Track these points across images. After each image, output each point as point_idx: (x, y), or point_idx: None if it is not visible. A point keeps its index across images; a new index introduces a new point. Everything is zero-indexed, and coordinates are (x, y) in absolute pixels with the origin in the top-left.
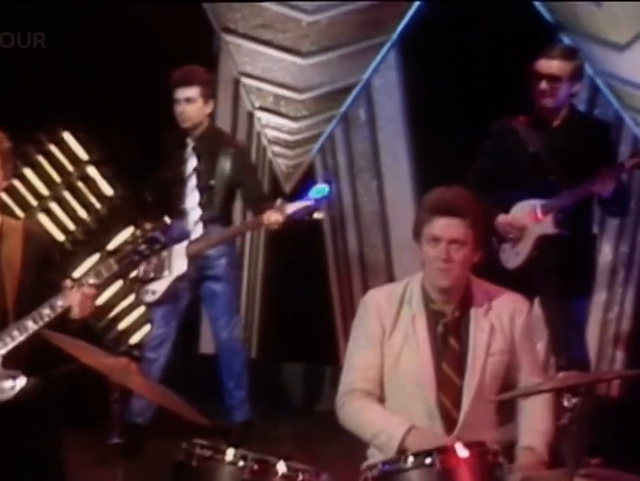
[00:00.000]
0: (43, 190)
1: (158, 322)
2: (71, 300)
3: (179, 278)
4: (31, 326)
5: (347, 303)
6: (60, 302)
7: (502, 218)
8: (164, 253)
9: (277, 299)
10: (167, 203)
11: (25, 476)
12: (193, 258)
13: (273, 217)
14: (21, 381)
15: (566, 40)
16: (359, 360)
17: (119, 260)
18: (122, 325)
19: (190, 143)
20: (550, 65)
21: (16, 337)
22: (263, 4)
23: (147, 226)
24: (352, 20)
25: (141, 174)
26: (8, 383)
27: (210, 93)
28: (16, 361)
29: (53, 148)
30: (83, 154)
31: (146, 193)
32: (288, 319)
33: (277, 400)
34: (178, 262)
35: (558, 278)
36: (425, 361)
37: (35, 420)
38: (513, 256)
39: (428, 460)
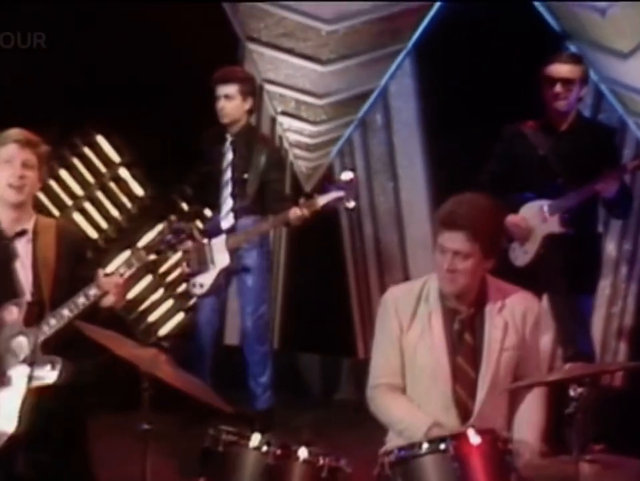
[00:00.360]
0: (78, 190)
1: (206, 314)
2: (104, 288)
3: (223, 271)
4: (67, 314)
5: (364, 298)
6: (94, 291)
7: (510, 218)
8: (206, 247)
9: (298, 293)
10: (207, 196)
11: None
12: (233, 251)
13: (299, 212)
14: (59, 367)
15: (572, 47)
16: (381, 357)
17: (149, 251)
18: (152, 318)
19: (229, 138)
20: (563, 69)
21: (53, 325)
22: (284, 14)
23: (173, 217)
24: (369, 29)
25: (170, 174)
26: (47, 368)
27: (248, 91)
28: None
29: (87, 151)
30: (115, 157)
31: (186, 186)
32: (308, 313)
33: (297, 390)
34: (220, 255)
35: (565, 276)
36: (441, 355)
37: (69, 404)
38: (522, 255)
39: (442, 446)
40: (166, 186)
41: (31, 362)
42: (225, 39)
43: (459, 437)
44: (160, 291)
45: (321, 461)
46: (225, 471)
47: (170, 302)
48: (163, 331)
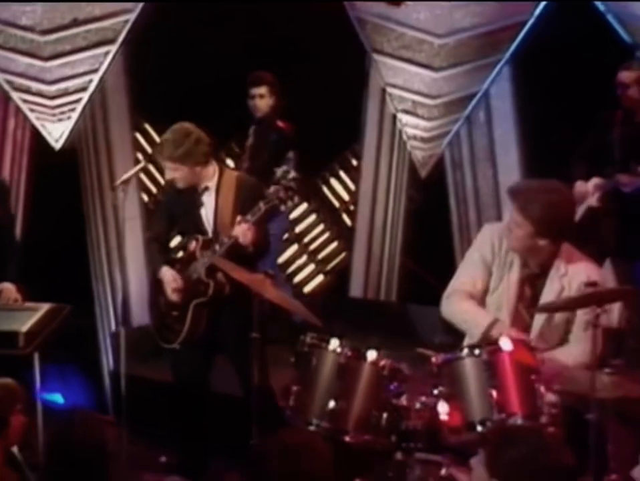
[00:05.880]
0: None
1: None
2: (237, 231)
3: None
4: (218, 249)
5: None
6: (233, 233)
7: (577, 185)
8: None
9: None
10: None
11: None
12: None
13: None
14: None
15: None
16: (468, 269)
17: (266, 203)
18: (297, 278)
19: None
20: (624, 75)
21: (217, 251)
22: (403, 30)
23: (284, 179)
24: (474, 42)
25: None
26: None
27: (274, 91)
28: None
29: None
30: None
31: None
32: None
33: (404, 334)
34: None
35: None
36: (508, 299)
37: None
38: None
39: (477, 351)
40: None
41: None
42: (355, 51)
43: (491, 345)
44: (304, 257)
45: (383, 362)
46: (308, 367)
47: (311, 266)
48: (307, 289)
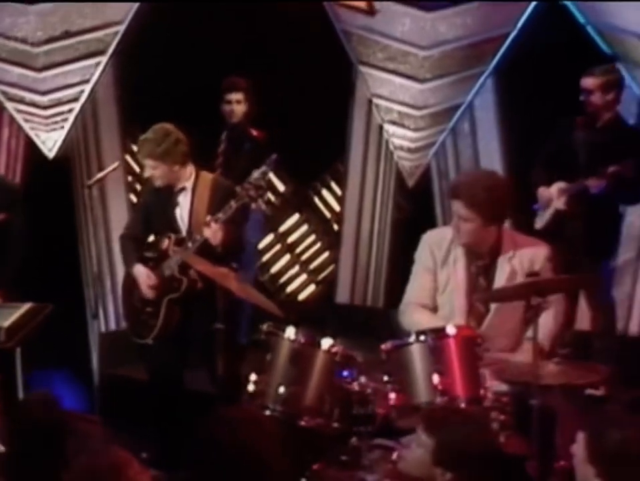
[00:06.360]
0: None
1: None
2: (207, 232)
3: None
4: (191, 246)
5: None
6: (204, 233)
7: (540, 190)
8: None
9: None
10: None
11: None
12: None
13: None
14: None
15: (621, 66)
16: (417, 282)
17: (237, 201)
18: (289, 289)
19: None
20: (589, 81)
21: (189, 248)
22: (388, 42)
23: (253, 181)
24: (457, 54)
25: (305, 174)
26: None
27: (249, 98)
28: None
29: None
30: None
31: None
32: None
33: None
34: None
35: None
36: (460, 294)
37: None
38: (539, 221)
39: (423, 337)
40: (302, 184)
41: None
42: (342, 63)
43: (437, 331)
44: (296, 268)
45: (336, 349)
46: (265, 355)
47: (303, 276)
48: (299, 298)
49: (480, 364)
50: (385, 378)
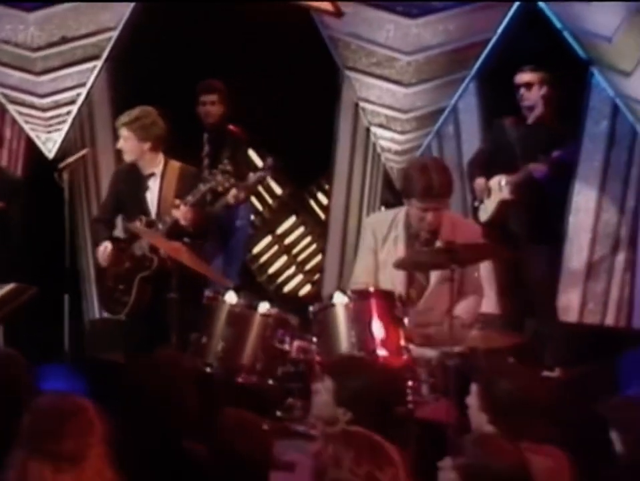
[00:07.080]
0: None
1: None
2: (177, 213)
3: None
4: (161, 227)
5: None
6: (174, 214)
7: (476, 182)
8: None
9: None
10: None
11: None
12: None
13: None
14: None
15: (595, 69)
16: (362, 263)
17: (205, 184)
18: (279, 280)
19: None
20: (521, 77)
21: (160, 229)
22: (374, 48)
23: (220, 167)
24: (441, 59)
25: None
26: None
27: (224, 99)
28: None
29: None
30: (259, 162)
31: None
32: None
33: None
34: None
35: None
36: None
37: None
38: (483, 214)
39: (345, 298)
40: (299, 187)
41: None
42: (328, 68)
43: (358, 292)
44: (293, 268)
45: (271, 312)
46: (207, 317)
47: (300, 277)
48: (286, 288)
49: (403, 326)
50: (314, 339)
